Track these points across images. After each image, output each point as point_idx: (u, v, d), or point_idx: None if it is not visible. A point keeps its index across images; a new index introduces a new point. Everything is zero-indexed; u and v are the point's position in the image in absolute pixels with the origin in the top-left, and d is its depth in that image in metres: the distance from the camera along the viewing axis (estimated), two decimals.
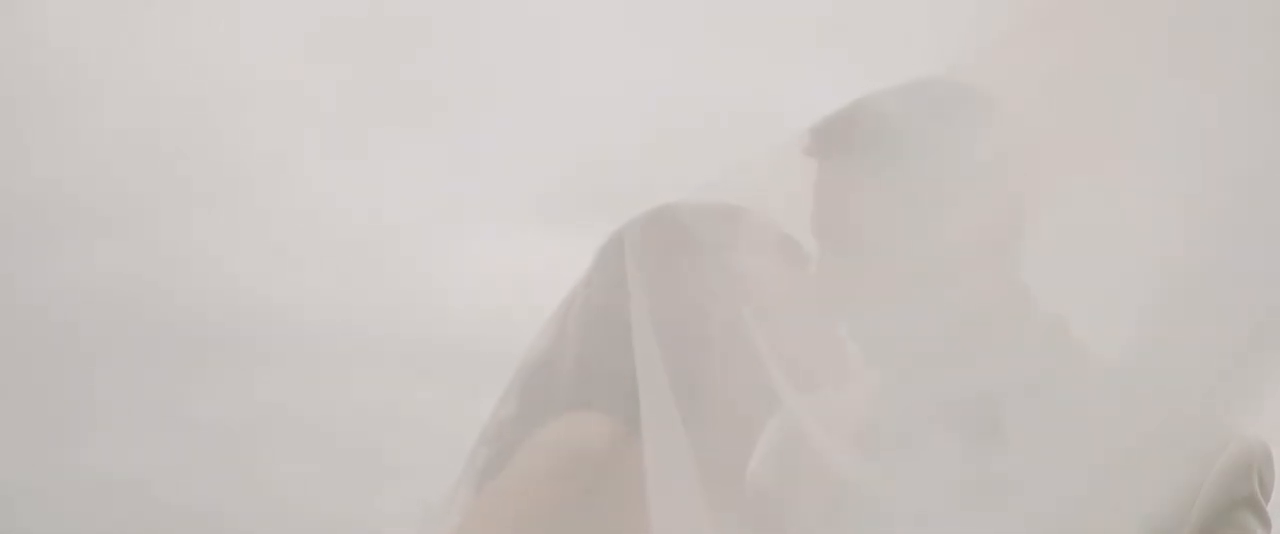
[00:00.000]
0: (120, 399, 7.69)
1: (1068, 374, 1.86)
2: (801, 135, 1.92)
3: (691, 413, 1.84)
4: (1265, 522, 1.89)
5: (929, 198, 1.86)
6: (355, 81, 7.65)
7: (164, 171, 7.66)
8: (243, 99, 7.67)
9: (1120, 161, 1.85)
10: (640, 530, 1.79)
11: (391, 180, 7.86)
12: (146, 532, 7.29)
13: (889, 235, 1.88)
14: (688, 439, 1.82)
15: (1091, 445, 1.81)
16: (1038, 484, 1.80)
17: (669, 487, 1.79)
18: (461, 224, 7.86)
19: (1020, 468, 1.81)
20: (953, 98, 1.89)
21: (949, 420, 1.86)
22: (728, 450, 1.90)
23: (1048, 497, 1.80)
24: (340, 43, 7.46)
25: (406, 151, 7.78)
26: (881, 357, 1.94)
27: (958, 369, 1.88)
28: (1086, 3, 1.87)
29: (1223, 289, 1.73)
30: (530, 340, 2.01)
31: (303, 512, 7.40)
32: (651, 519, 1.78)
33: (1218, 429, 1.86)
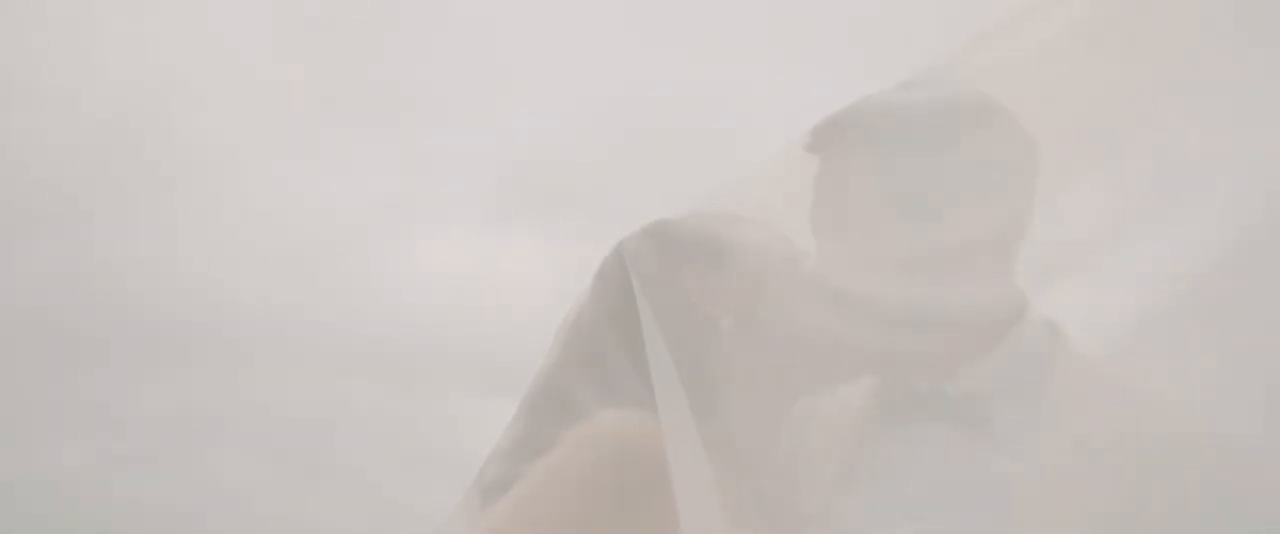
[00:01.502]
0: (72, 395, 7.63)
1: (1060, 377, 1.88)
2: (804, 133, 1.95)
3: (708, 420, 1.85)
4: None
5: (928, 197, 1.88)
6: (315, 80, 7.62)
7: (119, 169, 7.61)
8: (200, 97, 7.64)
9: (1118, 166, 1.89)
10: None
11: (348, 179, 7.84)
12: (99, 527, 7.24)
13: (886, 232, 1.89)
14: (704, 446, 1.82)
15: (1082, 448, 1.82)
16: (1028, 485, 1.82)
17: (690, 492, 1.80)
18: (416, 224, 7.85)
19: (1011, 468, 1.83)
20: (956, 99, 1.90)
21: (941, 419, 1.89)
22: (744, 455, 1.91)
23: (1037, 497, 1.82)
24: (301, 42, 7.44)
25: (363, 150, 7.76)
26: (876, 354, 1.94)
27: (951, 369, 1.90)
28: (1087, 8, 1.90)
29: (1225, 294, 1.76)
30: (539, 363, 2.02)
31: (252, 507, 7.37)
32: (681, 522, 1.78)
33: (1211, 437, 1.86)
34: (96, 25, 7.33)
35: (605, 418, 1.88)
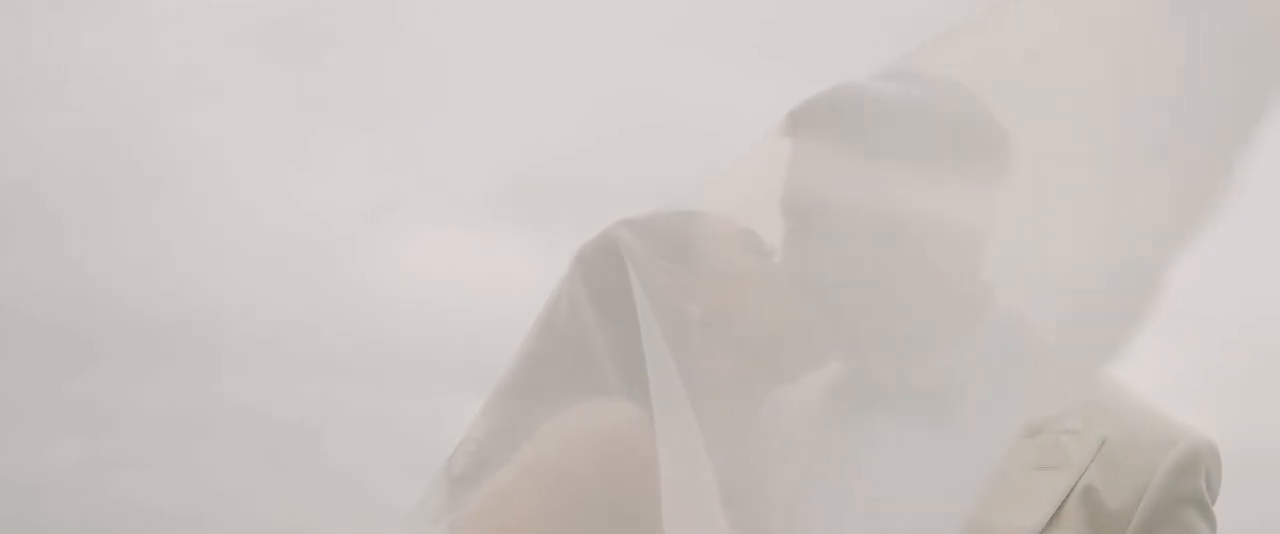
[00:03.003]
0: (59, 397, 7.63)
1: (1025, 368, 1.86)
2: (780, 120, 1.95)
3: (697, 409, 1.84)
4: (1211, 521, 1.90)
5: (903, 186, 1.86)
6: (302, 82, 7.63)
7: (105, 171, 7.61)
8: (187, 98, 7.64)
9: (1086, 159, 1.89)
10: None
11: (335, 180, 7.85)
12: (87, 528, 7.24)
13: (859, 219, 1.88)
14: (701, 433, 1.82)
15: (1046, 441, 1.85)
16: (991, 478, 1.80)
17: (684, 485, 1.78)
18: (403, 225, 7.86)
19: (975, 462, 1.81)
20: (939, 93, 1.89)
21: (905, 412, 1.87)
22: (727, 444, 1.89)
23: (1000, 490, 1.82)
24: (288, 44, 7.45)
25: (351, 152, 7.77)
26: (843, 343, 1.94)
27: (917, 359, 1.89)
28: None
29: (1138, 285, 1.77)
30: (512, 352, 2.01)
31: (241, 508, 7.38)
32: (664, 510, 1.77)
33: (1168, 425, 1.90)
34: (81, 27, 7.33)
35: (590, 406, 1.86)
